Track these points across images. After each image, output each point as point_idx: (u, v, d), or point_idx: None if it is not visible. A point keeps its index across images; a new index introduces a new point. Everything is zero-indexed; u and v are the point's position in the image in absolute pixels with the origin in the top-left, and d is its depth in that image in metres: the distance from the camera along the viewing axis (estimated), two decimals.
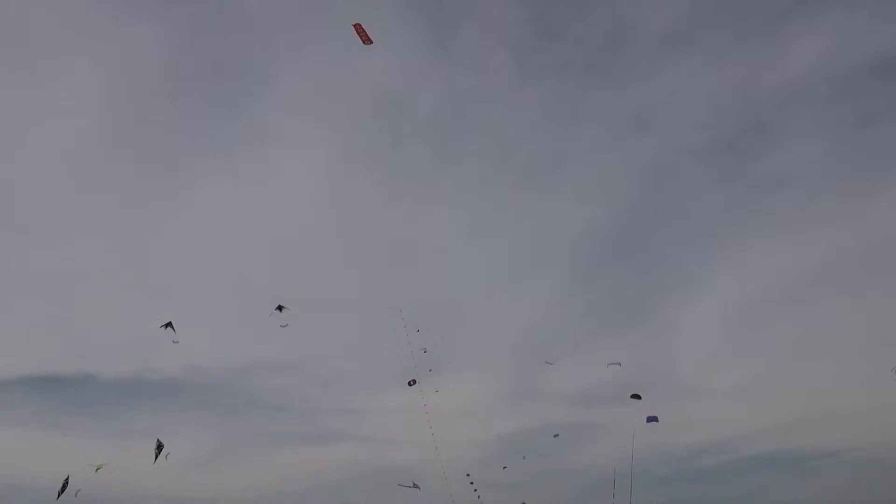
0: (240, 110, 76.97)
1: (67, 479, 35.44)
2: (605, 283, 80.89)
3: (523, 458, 56.90)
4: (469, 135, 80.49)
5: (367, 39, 31.49)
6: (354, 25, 31.08)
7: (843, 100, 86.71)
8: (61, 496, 35.32)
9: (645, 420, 37.08)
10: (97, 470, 35.68)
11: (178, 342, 37.96)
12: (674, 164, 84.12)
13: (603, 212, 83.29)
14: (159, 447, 35.58)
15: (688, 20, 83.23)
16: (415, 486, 48.96)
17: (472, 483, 62.98)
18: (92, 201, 71.41)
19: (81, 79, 72.27)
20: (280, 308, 39.59)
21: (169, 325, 37.49)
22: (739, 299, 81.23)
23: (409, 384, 46.34)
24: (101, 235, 70.20)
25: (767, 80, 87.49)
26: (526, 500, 57.77)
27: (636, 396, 38.25)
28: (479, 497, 59.83)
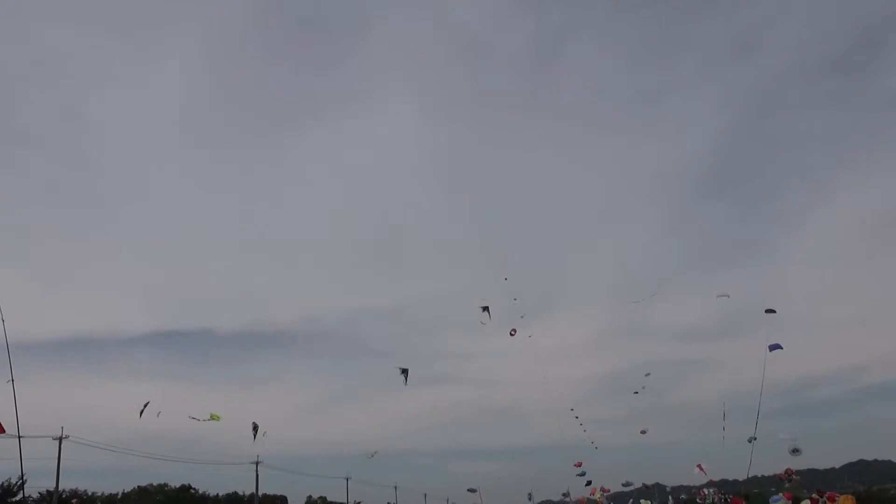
0: (331, 66, 78.51)
1: (255, 426, 37.37)
2: (710, 216, 77.95)
3: (636, 392, 56.85)
4: (561, 74, 78.62)
5: None
6: None
7: None
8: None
9: (768, 349, 34.98)
10: (210, 419, 36.54)
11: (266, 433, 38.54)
12: (780, 89, 78.91)
13: (706, 143, 79.74)
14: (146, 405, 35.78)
15: None
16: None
17: (577, 417, 64.15)
18: (198, 166, 75.11)
19: (183, 48, 74.89)
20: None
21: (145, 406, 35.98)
22: (857, 226, 76.21)
23: (511, 334, 47.93)
24: (208, 198, 73.15)
25: None
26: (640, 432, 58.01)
27: (771, 311, 35.99)
28: (584, 430, 61.21)
